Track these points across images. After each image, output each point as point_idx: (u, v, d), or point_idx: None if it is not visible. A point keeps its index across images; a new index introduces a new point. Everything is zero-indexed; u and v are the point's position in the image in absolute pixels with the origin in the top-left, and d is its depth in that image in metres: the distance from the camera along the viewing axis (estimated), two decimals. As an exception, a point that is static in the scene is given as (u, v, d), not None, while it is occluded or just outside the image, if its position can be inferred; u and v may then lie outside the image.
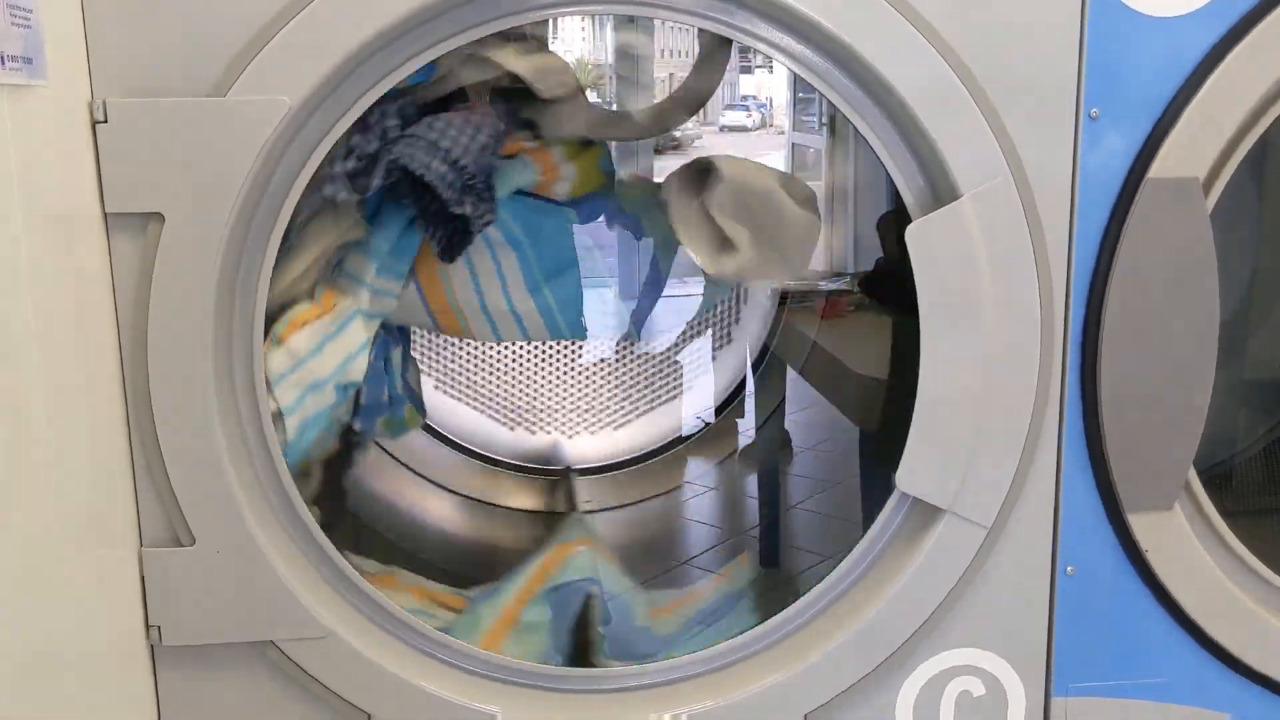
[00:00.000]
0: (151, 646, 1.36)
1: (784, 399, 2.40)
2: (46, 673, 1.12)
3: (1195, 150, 1.33)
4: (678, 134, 2.39)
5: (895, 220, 1.44)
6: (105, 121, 1.21)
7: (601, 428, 2.41)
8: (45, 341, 1.11)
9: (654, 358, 2.45)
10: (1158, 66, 1.32)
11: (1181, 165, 1.33)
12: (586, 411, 2.41)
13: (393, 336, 1.68)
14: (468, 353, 2.36)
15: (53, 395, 1.12)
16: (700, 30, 1.36)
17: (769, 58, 1.35)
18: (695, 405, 2.45)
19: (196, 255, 1.24)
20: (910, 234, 1.33)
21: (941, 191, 1.34)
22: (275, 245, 1.30)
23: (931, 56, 1.29)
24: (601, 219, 1.72)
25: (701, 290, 2.06)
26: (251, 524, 1.32)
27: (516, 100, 1.55)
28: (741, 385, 2.45)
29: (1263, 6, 1.30)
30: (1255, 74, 1.32)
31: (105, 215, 1.23)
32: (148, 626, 1.34)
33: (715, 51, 1.63)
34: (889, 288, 1.77)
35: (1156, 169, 1.33)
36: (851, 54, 1.29)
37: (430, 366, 2.33)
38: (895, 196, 1.40)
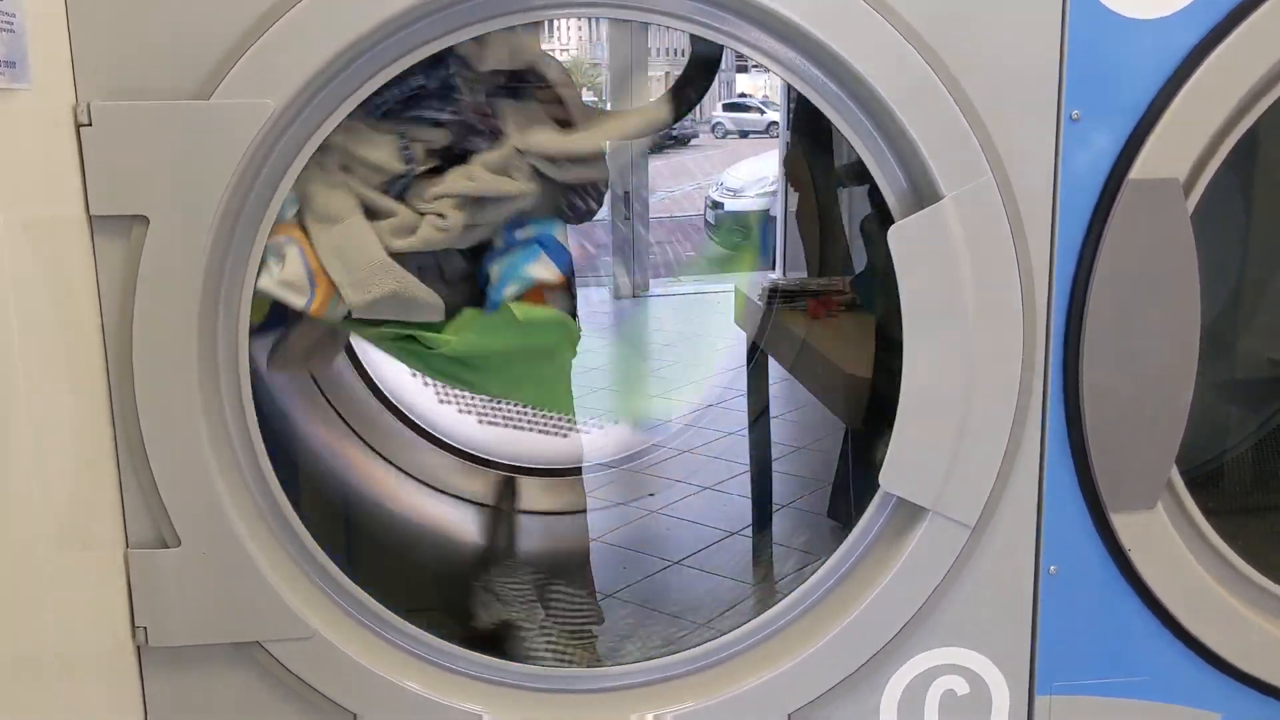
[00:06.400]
0: (138, 647, 1.36)
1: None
2: (33, 674, 1.13)
3: (1176, 151, 1.34)
4: (675, 132, 2.39)
5: (879, 222, 1.45)
6: (89, 124, 1.21)
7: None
8: (29, 344, 1.11)
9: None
10: (1139, 68, 1.33)
11: (1162, 166, 1.33)
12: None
13: None
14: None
15: (37, 397, 1.13)
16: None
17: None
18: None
19: (181, 257, 1.25)
20: (893, 235, 1.34)
21: (924, 192, 1.35)
22: (260, 247, 1.30)
23: (913, 59, 1.29)
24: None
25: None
26: (237, 525, 1.33)
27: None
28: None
29: (1242, 9, 1.31)
30: (1235, 76, 1.32)
31: (90, 218, 1.24)
32: (134, 628, 1.35)
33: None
34: (877, 287, 1.78)
35: (1138, 170, 1.33)
36: (834, 57, 1.29)
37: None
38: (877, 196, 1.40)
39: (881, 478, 1.41)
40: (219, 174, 1.24)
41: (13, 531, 1.09)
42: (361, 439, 2.14)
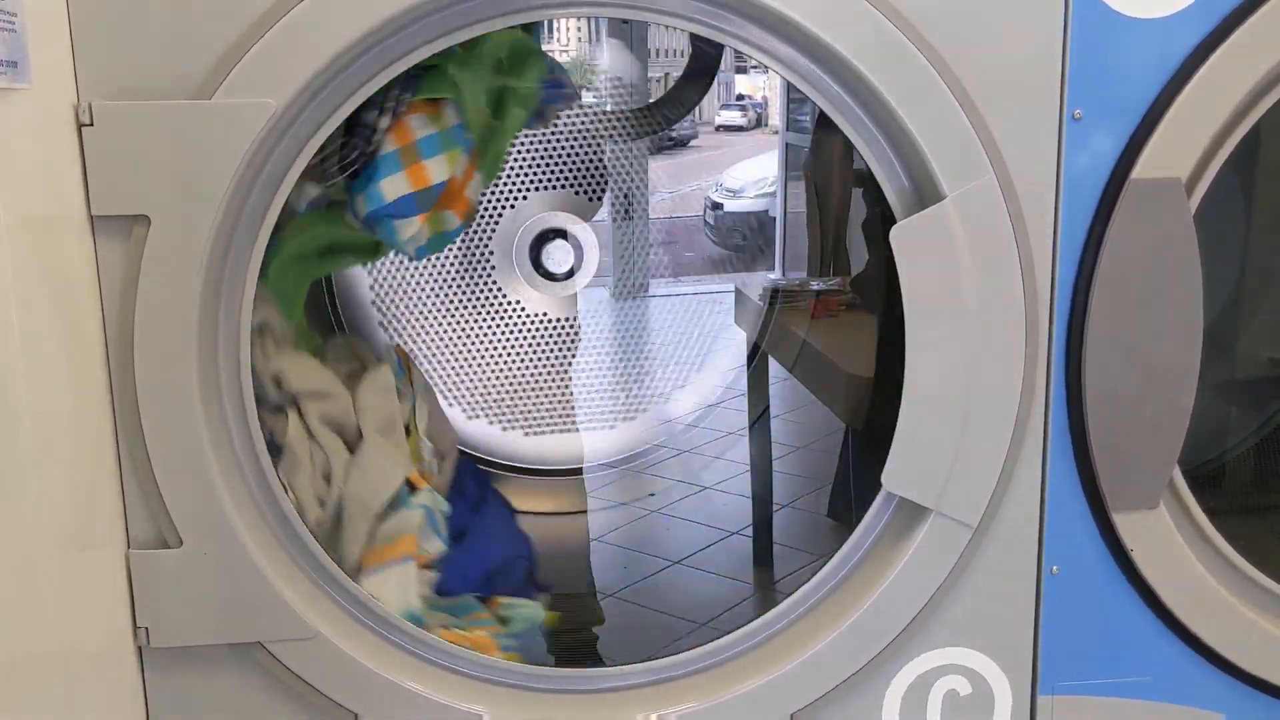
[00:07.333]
0: (139, 648, 1.36)
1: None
2: (35, 674, 1.12)
3: (1178, 151, 1.34)
4: (674, 133, 2.38)
5: (880, 222, 1.45)
6: (91, 124, 1.21)
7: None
8: (31, 344, 1.11)
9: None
10: (1141, 68, 1.33)
11: (1165, 166, 1.33)
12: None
13: None
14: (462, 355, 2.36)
15: (39, 398, 1.13)
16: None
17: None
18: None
19: (182, 258, 1.25)
20: (895, 235, 1.34)
21: (925, 192, 1.35)
22: (261, 248, 1.30)
23: (915, 58, 1.29)
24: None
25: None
26: (238, 525, 1.32)
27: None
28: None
29: (1245, 8, 1.31)
30: (1238, 75, 1.32)
31: (91, 218, 1.23)
32: (135, 628, 1.34)
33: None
34: (879, 287, 1.78)
35: (1140, 170, 1.33)
36: (835, 56, 1.29)
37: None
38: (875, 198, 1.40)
39: (884, 478, 1.40)
40: (220, 174, 1.23)
41: (13, 532, 1.09)
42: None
